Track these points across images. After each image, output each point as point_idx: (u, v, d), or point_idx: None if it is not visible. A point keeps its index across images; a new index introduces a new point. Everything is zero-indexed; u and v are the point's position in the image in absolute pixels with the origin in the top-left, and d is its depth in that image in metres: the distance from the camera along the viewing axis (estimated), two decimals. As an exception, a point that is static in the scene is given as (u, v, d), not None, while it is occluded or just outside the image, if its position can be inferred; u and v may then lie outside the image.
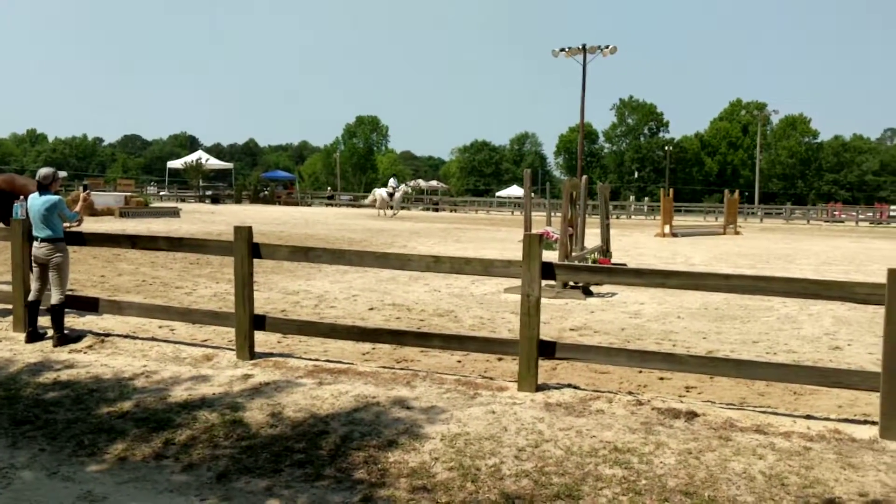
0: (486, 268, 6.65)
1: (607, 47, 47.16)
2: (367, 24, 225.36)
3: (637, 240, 28.85)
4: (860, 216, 60.41)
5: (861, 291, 5.47)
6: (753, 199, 79.89)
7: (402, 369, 6.89)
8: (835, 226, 52.20)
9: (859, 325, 9.91)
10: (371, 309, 10.64)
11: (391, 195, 42.93)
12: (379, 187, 46.71)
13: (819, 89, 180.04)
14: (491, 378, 6.68)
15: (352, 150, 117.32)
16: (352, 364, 7.00)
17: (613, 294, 12.40)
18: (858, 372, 6.06)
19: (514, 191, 76.97)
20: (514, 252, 6.47)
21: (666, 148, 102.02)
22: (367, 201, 50.21)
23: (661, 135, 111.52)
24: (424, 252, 18.92)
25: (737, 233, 35.64)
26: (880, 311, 5.32)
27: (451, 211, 61.67)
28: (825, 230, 44.06)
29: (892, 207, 70.26)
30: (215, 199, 54.96)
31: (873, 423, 5.43)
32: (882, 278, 5.29)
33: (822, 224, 53.93)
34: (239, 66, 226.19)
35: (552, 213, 16.10)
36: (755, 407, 6.01)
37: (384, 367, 6.93)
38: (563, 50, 48.38)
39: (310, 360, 7.15)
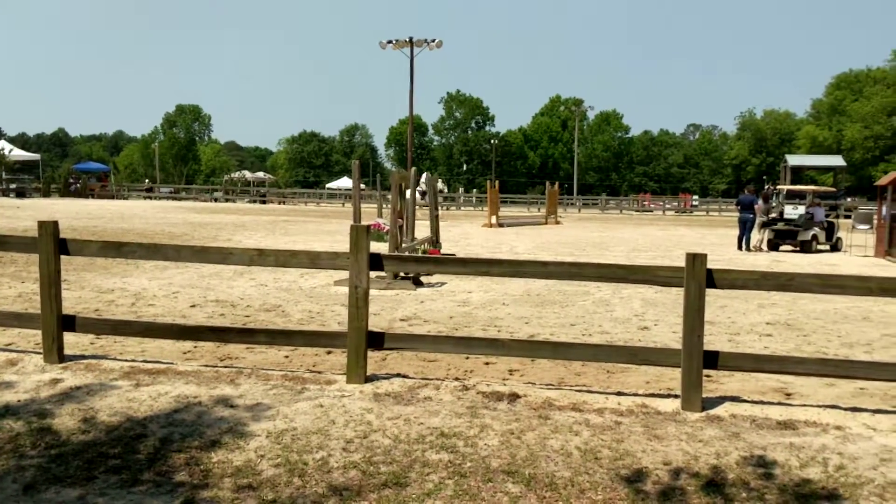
0: (312, 260, 6.57)
1: (434, 41, 47.87)
2: (188, 10, 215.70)
3: (466, 230, 29.56)
4: (667, 206, 65.18)
5: (662, 275, 5.89)
6: (573, 190, 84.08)
7: (225, 367, 6.68)
8: (645, 215, 55.91)
9: (664, 307, 10.68)
10: (193, 306, 10.23)
11: (423, 193, 36.07)
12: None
13: (629, 87, 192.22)
14: (319, 372, 6.62)
15: (172, 140, 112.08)
16: (172, 364, 6.70)
17: (443, 284, 12.64)
18: (662, 350, 6.54)
19: (345, 182, 76.57)
20: (345, 244, 6.43)
21: (492, 141, 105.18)
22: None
23: (487, 129, 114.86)
24: (250, 245, 18.43)
25: (558, 222, 37.36)
26: (682, 292, 5.76)
27: (279, 203, 60.41)
28: (636, 219, 47.14)
29: (695, 197, 76.33)
30: (20, 193, 50.73)
31: (676, 396, 5.86)
32: (682, 262, 5.72)
33: (634, 213, 57.63)
34: (45, 50, 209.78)
35: (383, 205, 16.25)
36: (572, 386, 6.33)
37: (207, 366, 6.69)
38: (390, 42, 48.60)
39: (126, 361, 6.77)
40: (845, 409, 5.70)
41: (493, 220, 32.10)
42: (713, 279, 5.63)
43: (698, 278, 5.57)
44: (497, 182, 36.42)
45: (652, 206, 65.40)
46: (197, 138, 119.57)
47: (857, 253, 21.27)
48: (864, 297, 9.70)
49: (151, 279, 12.55)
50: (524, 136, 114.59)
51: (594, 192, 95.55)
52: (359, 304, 6.12)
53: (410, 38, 48.10)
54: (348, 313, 6.21)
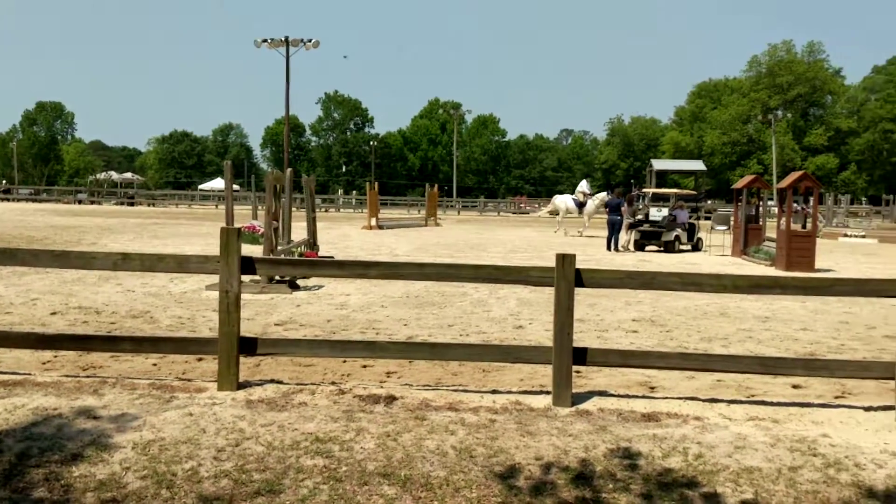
0: (181, 264, 6.35)
1: (310, 41, 47.30)
2: (48, 1, 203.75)
3: (345, 232, 29.37)
4: (542, 208, 66.99)
5: (535, 275, 6.05)
6: (452, 192, 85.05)
7: (88, 377, 6.35)
8: (521, 217, 57.26)
9: (539, 306, 10.96)
10: (54, 313, 9.68)
11: (581, 204, 30.40)
12: (562, 193, 34.28)
13: (505, 93, 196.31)
14: (189, 379, 6.40)
15: (32, 138, 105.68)
16: (29, 374, 6.32)
17: (320, 287, 12.49)
18: (535, 347, 6.72)
19: (219, 183, 74.33)
20: (217, 247, 6.25)
21: (371, 143, 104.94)
22: (544, 212, 36.91)
23: (366, 130, 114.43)
24: (116, 249, 17.62)
25: (437, 224, 37.70)
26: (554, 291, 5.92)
27: (148, 205, 58.06)
28: (513, 221, 48.22)
29: (568, 200, 78.55)
30: None
31: (548, 392, 6.03)
32: (553, 263, 5.89)
33: (511, 215, 58.91)
34: None
35: (258, 207, 15.90)
36: (449, 386, 6.40)
37: (68, 376, 6.34)
38: (265, 41, 47.66)
39: (-24, 374, 6.32)
40: (704, 401, 6.03)
41: (373, 222, 32.03)
42: (582, 279, 5.83)
43: (568, 278, 5.75)
44: (376, 184, 36.38)
45: (528, 208, 67.04)
46: (59, 137, 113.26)
47: (715, 252, 22.53)
48: (720, 293, 10.31)
49: (8, 286, 11.79)
50: (404, 138, 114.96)
51: (473, 195, 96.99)
52: (230, 308, 5.96)
53: (286, 38, 47.34)
54: (219, 318, 6.04)
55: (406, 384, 6.47)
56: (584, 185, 31.52)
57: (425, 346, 6.62)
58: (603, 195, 29.61)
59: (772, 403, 6.05)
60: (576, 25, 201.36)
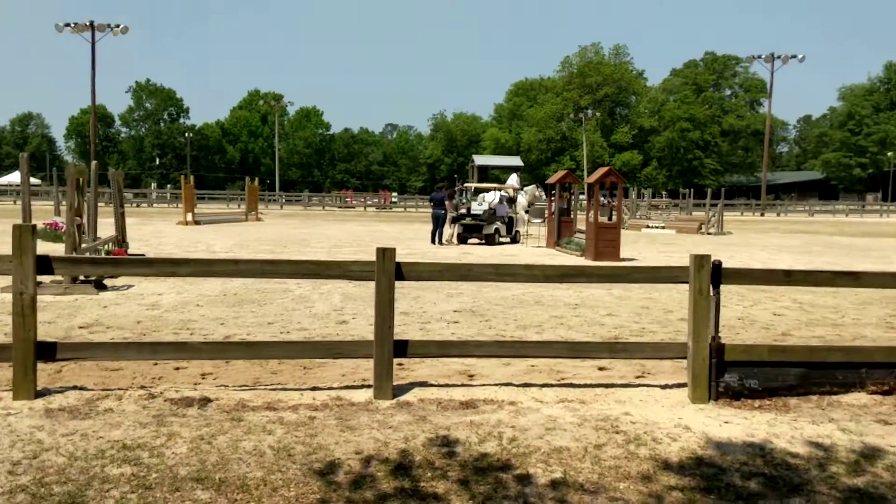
0: (-34, 265, 5.78)
1: (118, 26, 44.59)
2: None
3: (159, 229, 27.97)
4: (368, 202, 67.04)
5: (355, 269, 6.05)
6: (275, 186, 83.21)
7: None
8: (347, 211, 57.06)
9: (364, 300, 10.96)
10: None
11: (511, 200, 27.80)
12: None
13: (329, 85, 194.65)
14: (-22, 390, 5.86)
15: None
16: None
17: (130, 286, 11.82)
18: (357, 342, 6.72)
19: (16, 177, 68.46)
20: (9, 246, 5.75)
21: (187, 134, 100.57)
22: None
23: (182, 121, 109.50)
24: None
25: (258, 219, 36.78)
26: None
27: (-66, 201, 52.46)
28: (339, 215, 47.94)
29: (394, 194, 79.40)
30: None
31: (370, 386, 6.04)
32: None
33: (336, 210, 58.54)
34: None
35: (61, 202, 14.74)
36: (267, 385, 6.27)
37: None
38: (68, 25, 44.41)
39: None
40: (518, 386, 6.28)
41: (189, 217, 30.76)
42: (402, 272, 5.89)
43: (388, 272, 5.79)
44: (192, 177, 34.93)
45: (354, 202, 66.89)
46: None
47: (532, 244, 23.54)
48: (533, 283, 10.78)
49: None
50: (222, 129, 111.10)
51: (297, 189, 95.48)
52: (25, 312, 5.51)
53: (91, 22, 44.35)
54: (13, 323, 5.57)
55: (222, 385, 6.27)
56: (513, 180, 30.42)
57: (242, 346, 6.44)
58: (532, 188, 29.45)
59: (580, 385, 6.40)
60: (400, 20, 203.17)
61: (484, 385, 6.30)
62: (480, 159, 66.69)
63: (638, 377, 6.97)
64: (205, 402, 5.58)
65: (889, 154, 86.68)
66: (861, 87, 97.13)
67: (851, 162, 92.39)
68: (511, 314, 10.19)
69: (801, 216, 61.92)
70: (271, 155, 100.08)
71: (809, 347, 6.51)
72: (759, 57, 69.07)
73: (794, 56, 66.37)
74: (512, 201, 27.35)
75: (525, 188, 30.10)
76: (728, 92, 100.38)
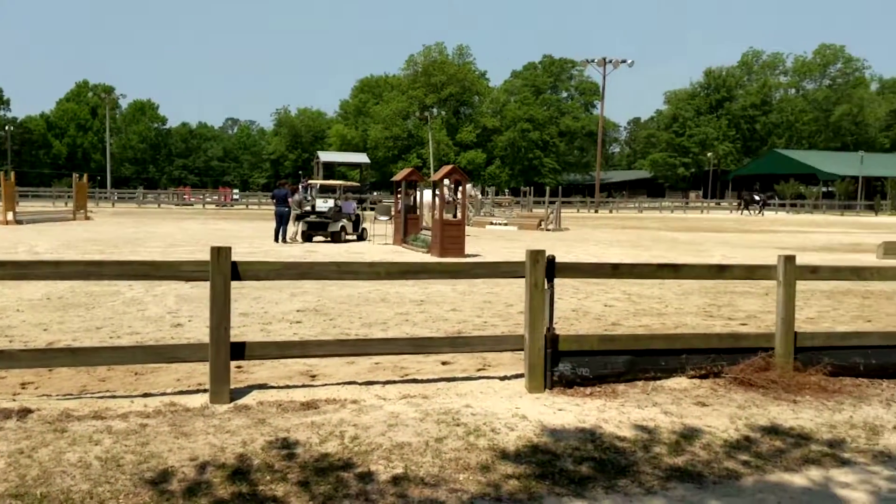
0: None
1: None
2: None
3: (-27, 229, 25.73)
4: (208, 199, 64.70)
5: (188, 269, 5.81)
6: (106, 183, 78.66)
7: None
8: (185, 209, 54.81)
9: (201, 302, 10.56)
10: None
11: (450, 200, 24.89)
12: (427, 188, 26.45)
13: (164, 77, 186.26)
14: None
15: None
16: None
17: (-62, 292, 10.81)
18: (191, 345, 6.47)
19: None
20: None
21: (7, 128, 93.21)
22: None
23: (2, 113, 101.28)
24: None
25: (88, 218, 34.67)
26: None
27: None
28: (176, 213, 45.96)
29: (235, 191, 77.15)
30: None
31: (206, 390, 5.84)
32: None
33: (174, 207, 56.10)
34: None
35: None
36: (95, 394, 5.91)
37: None
38: None
39: None
40: (361, 384, 6.27)
41: (10, 216, 28.56)
42: (238, 271, 5.73)
43: (223, 271, 5.61)
44: (13, 173, 32.40)
45: (192, 199, 64.37)
46: None
47: (379, 241, 23.57)
48: (376, 280, 10.80)
49: None
50: (48, 123, 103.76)
51: (131, 185, 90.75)
52: None
53: None
54: None
55: (44, 395, 5.86)
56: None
57: (66, 352, 6.05)
58: (468, 188, 28.73)
59: (423, 381, 6.48)
60: (240, 10, 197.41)
61: (326, 385, 6.24)
62: (326, 156, 66.15)
63: (479, 370, 7.14)
64: (24, 413, 5.19)
65: (709, 154, 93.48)
66: (684, 91, 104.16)
67: (676, 161, 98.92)
68: (356, 312, 10.16)
69: (631, 212, 65.62)
70: (102, 150, 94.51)
71: (635, 336, 6.92)
72: (593, 61, 72.49)
73: (625, 61, 70.14)
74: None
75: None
76: (565, 94, 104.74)
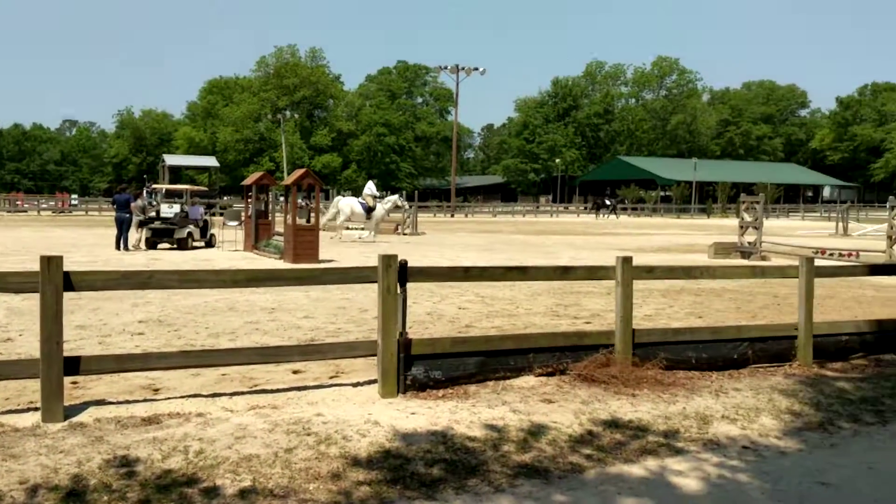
0: None
1: None
2: None
3: None
4: (43, 205, 60.62)
5: (14, 281, 5.43)
6: (-75, 188, 72.06)
7: None
8: (18, 216, 51.08)
9: (33, 315, 9.87)
10: None
11: (369, 209, 26.94)
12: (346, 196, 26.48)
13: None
14: None
15: None
16: None
17: None
18: (21, 361, 6.03)
19: None
20: None
21: None
22: (325, 218, 27.95)
23: None
24: None
25: None
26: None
27: None
28: (7, 221, 42.72)
29: (74, 196, 72.67)
30: None
31: (37, 408, 5.46)
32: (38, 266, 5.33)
33: (5, 214, 52.16)
34: None
35: None
36: None
37: None
38: None
39: None
40: (207, 396, 6.05)
41: None
42: (72, 282, 5.39)
43: (55, 282, 5.26)
44: None
45: (26, 205, 60.05)
46: None
47: (229, 248, 22.85)
48: (222, 288, 10.47)
49: None
50: None
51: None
52: None
53: None
54: None
55: None
56: (371, 188, 29.01)
57: None
58: (395, 198, 29.09)
59: (273, 391, 6.33)
60: (69, 8, 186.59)
61: (169, 398, 5.98)
62: (172, 159, 63.66)
63: (332, 377, 7.07)
64: None
65: (557, 161, 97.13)
66: (533, 99, 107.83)
67: (527, 167, 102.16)
68: (202, 322, 9.80)
69: (486, 217, 67.13)
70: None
71: (486, 337, 7.07)
72: (446, 68, 73.66)
73: (477, 68, 71.71)
74: (370, 210, 27.25)
75: (388, 197, 29.86)
76: (420, 100, 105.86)
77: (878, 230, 32.46)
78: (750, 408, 6.30)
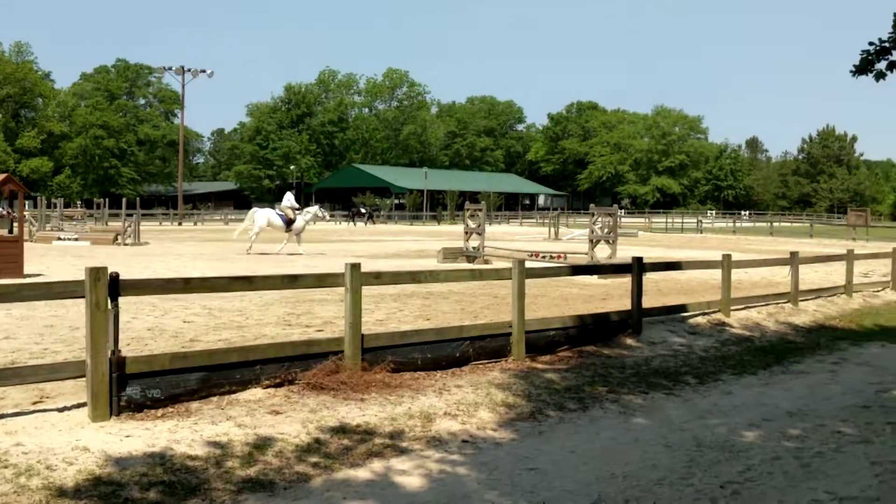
0: None
1: None
2: None
3: None
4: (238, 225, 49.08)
5: None
6: None
7: None
8: None
9: None
10: None
11: (289, 221, 25.16)
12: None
13: None
14: None
15: None
16: None
17: None
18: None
19: None
20: None
21: None
22: (239, 229, 26.68)
23: None
24: None
25: None
26: None
27: None
28: None
29: None
30: None
31: None
32: None
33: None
34: None
35: None
36: None
37: None
38: None
39: None
40: None
41: None
42: None
43: None
44: None
45: None
46: None
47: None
48: None
49: None
50: None
51: None
52: None
53: None
54: None
55: None
56: (290, 199, 26.76)
57: None
58: (315, 209, 27.36)
59: (-39, 424, 5.60)
60: None
61: None
62: None
63: (35, 402, 6.39)
64: None
65: (292, 167, 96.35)
66: (266, 105, 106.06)
67: (261, 174, 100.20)
68: None
69: (218, 225, 64.76)
70: None
71: (209, 351, 6.78)
72: (171, 69, 70.06)
73: (204, 71, 69.01)
74: (290, 222, 25.39)
75: (307, 208, 27.76)
76: (142, 101, 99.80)
77: (583, 234, 36.01)
78: (470, 403, 6.67)
